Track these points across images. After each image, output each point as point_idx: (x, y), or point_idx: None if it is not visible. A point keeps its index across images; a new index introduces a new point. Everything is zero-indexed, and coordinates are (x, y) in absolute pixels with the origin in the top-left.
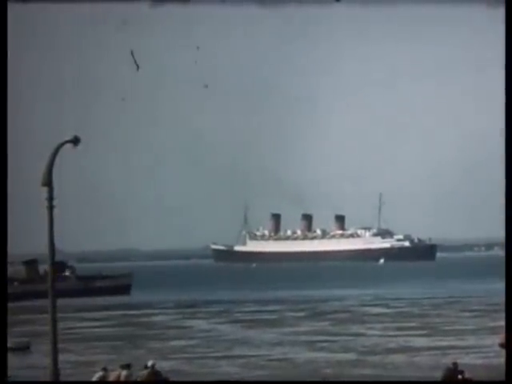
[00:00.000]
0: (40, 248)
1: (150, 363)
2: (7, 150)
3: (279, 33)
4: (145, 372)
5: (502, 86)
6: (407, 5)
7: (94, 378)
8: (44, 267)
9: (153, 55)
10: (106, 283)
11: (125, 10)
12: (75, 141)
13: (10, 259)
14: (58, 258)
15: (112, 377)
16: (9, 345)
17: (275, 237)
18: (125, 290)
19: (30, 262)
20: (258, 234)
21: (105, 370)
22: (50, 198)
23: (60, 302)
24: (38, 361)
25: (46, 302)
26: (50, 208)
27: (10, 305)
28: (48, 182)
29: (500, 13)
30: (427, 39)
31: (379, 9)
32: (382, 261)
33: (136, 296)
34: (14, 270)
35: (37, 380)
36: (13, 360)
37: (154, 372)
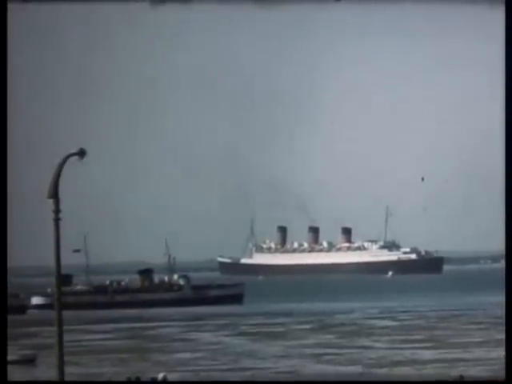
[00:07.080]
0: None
1: (160, 376)
2: (7, 151)
3: (279, 33)
4: None
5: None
6: (407, 5)
7: None
8: (159, 276)
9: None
10: (220, 292)
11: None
12: (81, 153)
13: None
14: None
15: None
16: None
17: (282, 249)
18: (237, 299)
19: (145, 272)
20: (264, 246)
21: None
22: (57, 211)
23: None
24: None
25: (157, 311)
26: (57, 220)
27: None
28: (54, 194)
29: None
30: (427, 39)
31: (379, 9)
32: (390, 273)
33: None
34: (130, 279)
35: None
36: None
37: None
